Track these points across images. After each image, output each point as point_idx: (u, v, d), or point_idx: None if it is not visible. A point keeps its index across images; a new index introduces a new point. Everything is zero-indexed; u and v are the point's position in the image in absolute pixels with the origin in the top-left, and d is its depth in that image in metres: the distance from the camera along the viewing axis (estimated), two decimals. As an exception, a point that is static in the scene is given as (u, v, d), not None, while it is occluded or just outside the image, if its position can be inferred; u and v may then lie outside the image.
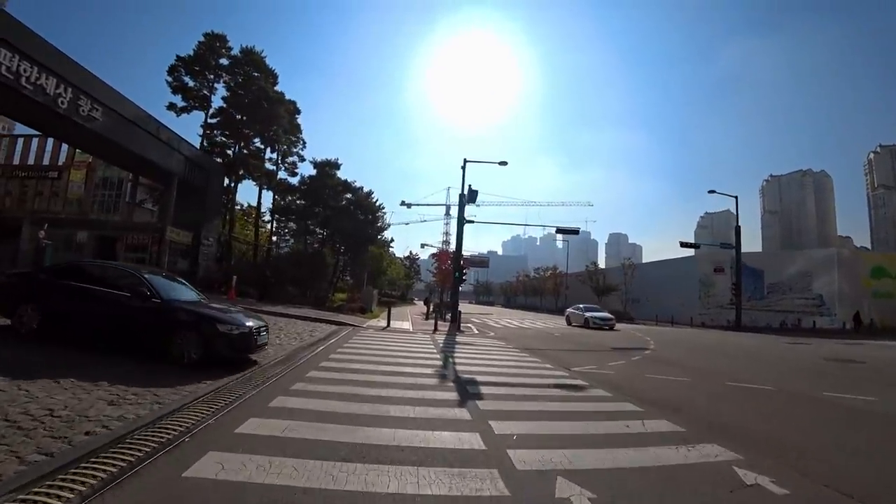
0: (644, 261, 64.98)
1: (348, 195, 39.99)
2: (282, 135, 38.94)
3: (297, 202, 39.75)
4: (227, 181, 36.80)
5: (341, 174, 41.32)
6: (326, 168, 39.66)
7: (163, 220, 27.02)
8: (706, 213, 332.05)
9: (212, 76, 36.81)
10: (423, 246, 73.87)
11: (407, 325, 20.92)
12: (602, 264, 77.84)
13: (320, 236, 45.97)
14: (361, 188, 40.99)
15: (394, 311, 33.73)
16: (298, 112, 43.48)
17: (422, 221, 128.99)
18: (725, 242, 40.23)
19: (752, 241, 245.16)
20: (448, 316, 28.97)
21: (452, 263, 25.61)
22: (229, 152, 37.09)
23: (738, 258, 35.56)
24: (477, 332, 21.30)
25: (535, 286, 73.60)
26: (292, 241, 47.72)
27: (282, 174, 42.10)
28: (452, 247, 43.18)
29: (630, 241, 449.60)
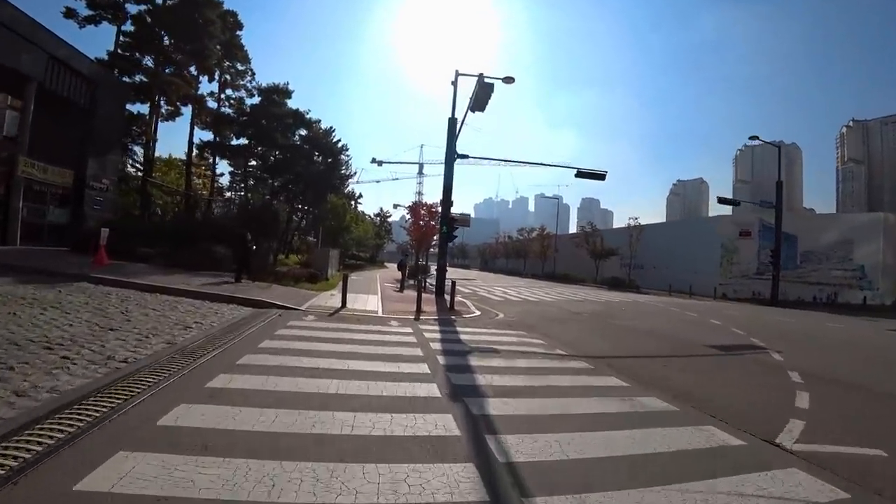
0: (615, 226, 59.13)
1: (302, 131, 31.71)
2: (214, 50, 29.94)
3: (234, 138, 31.11)
4: (139, 109, 28.10)
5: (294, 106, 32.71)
6: (273, 95, 31.06)
7: (11, 147, 18.47)
8: (678, 180, 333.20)
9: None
10: (395, 206, 66.04)
11: (374, 305, 13.75)
12: (573, 229, 72.12)
13: (274, 185, 37.83)
14: (318, 122, 32.70)
15: (359, 277, 26.45)
16: (240, 27, 34.31)
17: (394, 179, 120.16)
18: (765, 200, 34.10)
19: (725, 209, 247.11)
20: (430, 285, 22.10)
21: (441, 213, 18.45)
22: (143, 77, 28.02)
23: (778, 221, 29.60)
24: (477, 312, 14.37)
25: (518, 248, 67.15)
26: (247, 194, 39.35)
27: (224, 111, 33.33)
28: (428, 200, 35.61)
29: (602, 207, 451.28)
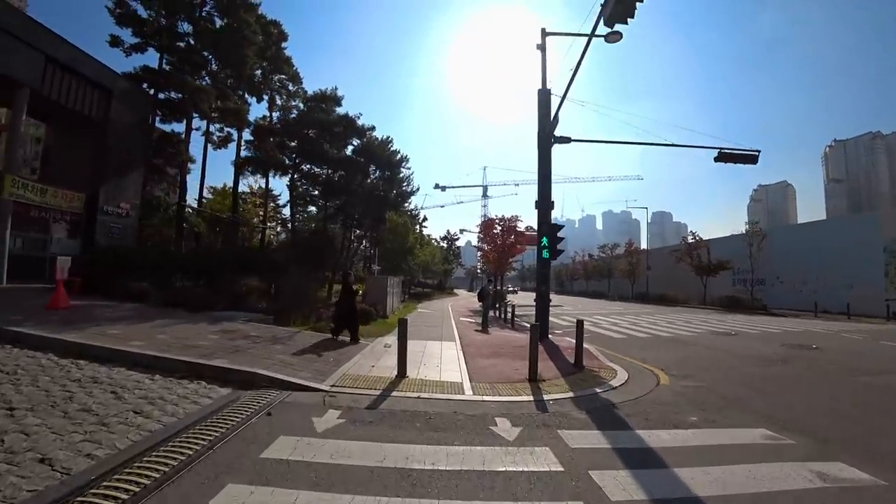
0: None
1: (355, 141, 27.62)
2: (255, 60, 26.70)
3: (278, 152, 27.36)
4: (170, 126, 25.15)
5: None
6: (321, 104, 27.28)
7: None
8: (759, 185, 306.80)
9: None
10: (462, 231, 61.33)
11: (452, 367, 8.36)
12: (644, 245, 63.27)
13: (327, 207, 34.09)
14: (372, 129, 28.46)
15: (426, 309, 21.39)
16: (285, 38, 31.27)
17: (458, 203, 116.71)
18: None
19: (816, 213, 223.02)
20: (515, 319, 16.62)
21: (538, 219, 12.82)
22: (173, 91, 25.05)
23: None
24: (622, 372, 8.63)
25: (601, 267, 59.68)
26: (293, 218, 35.92)
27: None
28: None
29: (674, 220, 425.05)
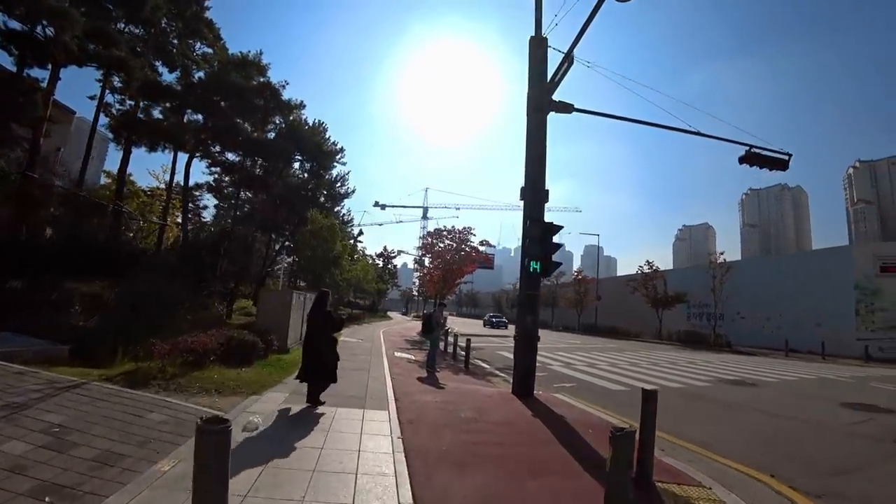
0: (619, 274, 49.44)
1: (277, 119, 22.21)
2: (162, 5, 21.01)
3: (174, 114, 21.15)
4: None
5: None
6: (242, 68, 21.72)
7: None
8: (684, 225, 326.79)
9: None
10: (399, 252, 56.90)
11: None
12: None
13: (246, 207, 28.18)
14: (301, 106, 23.01)
15: (352, 339, 16.41)
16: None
17: (398, 222, 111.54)
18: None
19: (732, 254, 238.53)
20: (479, 363, 12.39)
21: (525, 217, 8.40)
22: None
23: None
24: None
25: (545, 295, 56.71)
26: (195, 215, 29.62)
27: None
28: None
29: (605, 254, 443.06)
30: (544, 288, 59.64)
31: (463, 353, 14.63)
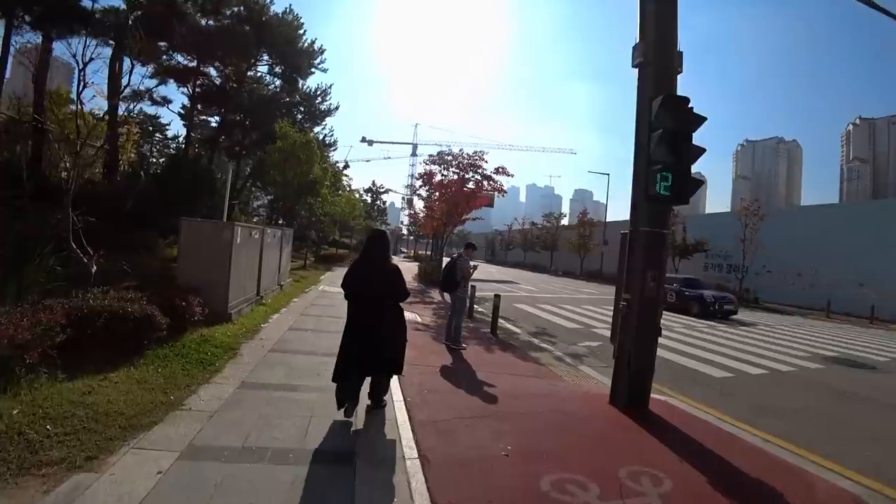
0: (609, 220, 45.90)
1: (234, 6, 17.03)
2: None
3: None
4: None
5: None
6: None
7: None
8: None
9: None
10: (387, 190, 53.01)
11: None
12: (566, 222, 57.97)
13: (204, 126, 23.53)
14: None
15: (333, 289, 12.82)
16: None
17: (386, 158, 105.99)
18: None
19: (722, 206, 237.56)
20: (477, 314, 8.78)
21: (637, 103, 4.67)
22: None
23: None
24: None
25: (545, 238, 53.05)
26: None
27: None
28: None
29: (594, 199, 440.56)
30: (546, 230, 56.01)
31: (478, 307, 11.20)
